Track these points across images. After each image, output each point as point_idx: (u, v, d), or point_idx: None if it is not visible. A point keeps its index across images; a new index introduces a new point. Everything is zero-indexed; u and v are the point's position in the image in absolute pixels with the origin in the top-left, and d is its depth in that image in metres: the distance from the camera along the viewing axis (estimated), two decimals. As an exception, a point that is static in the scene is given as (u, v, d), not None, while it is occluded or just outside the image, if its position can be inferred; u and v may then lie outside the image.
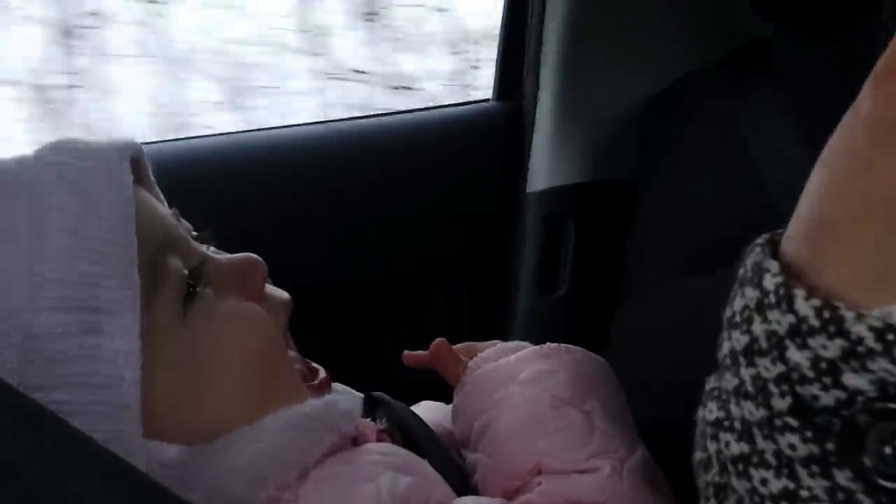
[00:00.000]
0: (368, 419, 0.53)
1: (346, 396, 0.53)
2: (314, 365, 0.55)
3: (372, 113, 1.13)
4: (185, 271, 0.49)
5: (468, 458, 0.55)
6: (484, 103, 1.13)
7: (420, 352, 0.60)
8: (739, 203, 0.90)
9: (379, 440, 0.51)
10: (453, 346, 0.61)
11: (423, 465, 0.50)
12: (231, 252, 0.55)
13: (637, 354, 0.94)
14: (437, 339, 0.60)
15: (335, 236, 1.03)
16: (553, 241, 1.05)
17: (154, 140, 1.06)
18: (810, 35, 0.87)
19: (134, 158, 0.50)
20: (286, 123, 1.12)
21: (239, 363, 0.49)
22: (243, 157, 1.03)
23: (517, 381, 0.54)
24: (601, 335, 0.98)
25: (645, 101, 1.02)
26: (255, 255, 0.53)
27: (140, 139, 0.54)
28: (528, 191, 1.07)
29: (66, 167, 0.47)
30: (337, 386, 0.57)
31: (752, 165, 0.88)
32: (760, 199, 0.87)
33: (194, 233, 0.54)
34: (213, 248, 0.54)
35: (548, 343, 0.58)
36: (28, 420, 0.40)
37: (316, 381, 0.53)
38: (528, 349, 0.58)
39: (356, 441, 0.50)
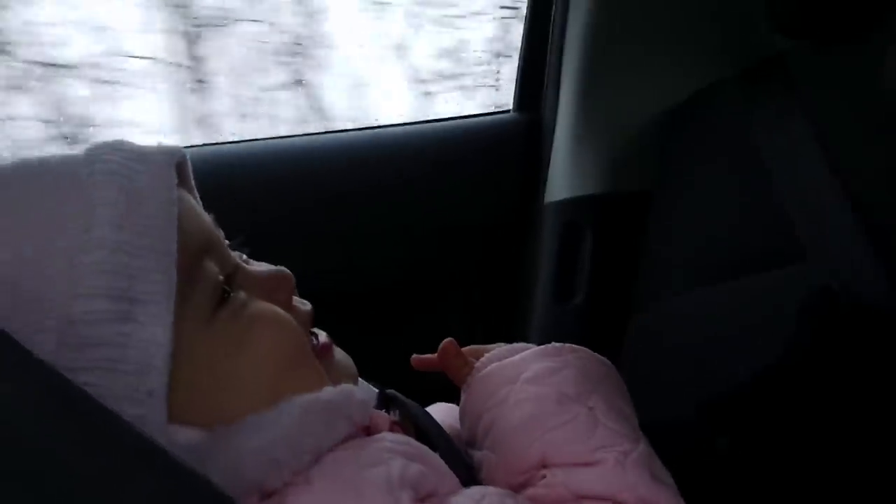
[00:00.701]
0: (382, 411, 0.55)
1: (361, 388, 0.54)
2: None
3: (393, 123, 1.14)
4: (221, 277, 0.51)
5: (475, 456, 0.56)
6: (504, 114, 1.14)
7: (428, 355, 0.62)
8: (753, 216, 0.91)
9: (391, 431, 0.52)
10: (466, 348, 0.62)
11: (434, 457, 0.51)
12: (256, 260, 0.57)
13: (649, 361, 0.94)
14: (446, 340, 0.61)
15: (354, 244, 1.05)
16: (570, 251, 1.06)
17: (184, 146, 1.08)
18: (825, 49, 0.88)
19: (179, 163, 0.52)
20: (309, 132, 1.13)
21: (263, 361, 0.51)
22: (263, 164, 1.04)
23: (522, 379, 0.55)
24: (616, 343, 0.99)
25: (663, 113, 1.03)
26: (286, 269, 0.56)
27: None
28: (546, 201, 1.09)
29: (115, 165, 0.49)
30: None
31: (768, 179, 0.89)
32: (774, 212, 0.87)
33: (227, 241, 0.56)
34: (245, 257, 0.56)
35: (553, 343, 0.59)
36: (70, 404, 0.42)
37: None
38: (534, 349, 0.59)
39: (369, 431, 0.51)
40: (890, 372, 0.70)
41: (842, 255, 0.83)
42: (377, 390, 0.59)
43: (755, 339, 0.85)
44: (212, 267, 0.51)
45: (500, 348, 0.61)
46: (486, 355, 0.60)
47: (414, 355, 0.62)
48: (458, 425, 0.60)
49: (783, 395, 0.80)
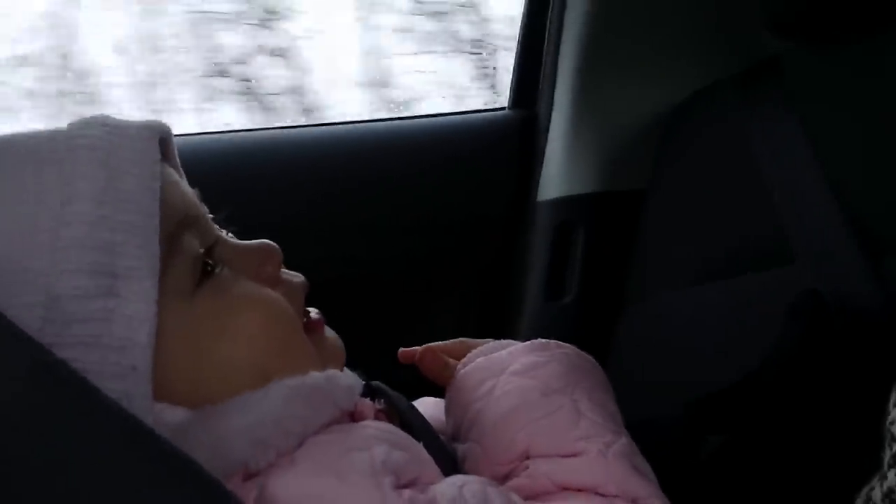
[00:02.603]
0: (368, 399, 0.55)
1: (347, 374, 0.54)
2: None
3: (388, 116, 1.14)
4: (202, 250, 0.51)
5: (459, 449, 0.56)
6: (499, 111, 1.14)
7: (415, 348, 0.62)
8: (746, 218, 0.91)
9: (377, 419, 0.52)
10: (447, 342, 0.62)
11: (418, 446, 0.51)
12: None
13: (638, 360, 0.95)
14: (422, 348, 0.61)
15: (346, 237, 1.05)
16: (562, 249, 1.06)
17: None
18: (823, 52, 0.88)
19: (162, 139, 0.52)
20: (301, 123, 1.13)
21: (251, 344, 0.51)
22: (253, 156, 1.04)
23: (508, 372, 0.55)
24: (605, 342, 0.99)
25: (659, 114, 1.03)
26: (272, 242, 0.55)
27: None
28: (539, 199, 1.09)
29: (96, 140, 0.49)
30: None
31: (761, 181, 0.89)
32: (767, 215, 0.88)
33: (210, 215, 0.56)
34: (231, 236, 0.56)
35: (539, 339, 0.59)
36: (59, 382, 0.42)
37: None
38: (520, 344, 0.59)
39: (354, 418, 0.51)
40: (876, 375, 0.70)
41: (832, 260, 0.83)
42: (363, 381, 0.59)
43: (743, 341, 0.85)
44: (192, 241, 0.51)
45: (487, 344, 0.61)
46: (474, 350, 0.60)
47: (401, 349, 0.62)
48: (441, 418, 0.60)
49: (770, 397, 0.80)
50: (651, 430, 0.59)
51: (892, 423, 0.62)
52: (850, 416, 0.75)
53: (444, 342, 0.62)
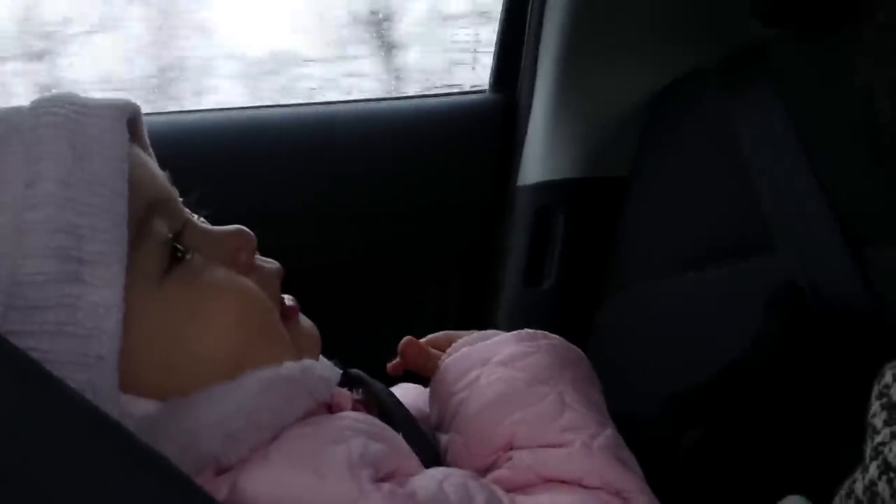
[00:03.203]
0: (345, 389, 0.53)
1: (324, 365, 0.53)
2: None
3: (365, 97, 1.13)
4: (170, 235, 0.49)
5: (442, 440, 0.55)
6: (479, 94, 1.13)
7: (397, 360, 0.60)
8: (728, 206, 0.90)
9: (354, 410, 0.51)
10: (432, 336, 0.61)
11: (397, 437, 0.50)
12: None
13: (618, 348, 0.94)
14: (404, 339, 0.60)
15: (321, 222, 1.03)
16: (542, 235, 1.06)
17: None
18: (808, 39, 0.87)
19: (131, 119, 0.50)
20: (276, 104, 1.11)
21: (224, 334, 0.49)
22: (231, 135, 1.02)
23: (493, 362, 0.54)
24: (585, 329, 0.98)
25: (641, 99, 1.02)
26: (245, 228, 0.53)
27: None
28: (518, 184, 1.08)
29: (62, 119, 0.47)
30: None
31: (744, 169, 0.89)
32: (750, 203, 0.87)
33: (181, 199, 0.54)
34: (203, 220, 0.54)
35: (526, 329, 0.58)
36: (21, 373, 0.40)
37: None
38: (507, 334, 0.58)
39: (331, 409, 0.50)
40: (858, 366, 0.70)
41: (815, 248, 0.83)
42: (341, 370, 0.57)
43: (725, 331, 0.85)
44: (160, 225, 0.49)
45: (472, 334, 0.60)
46: (459, 340, 0.59)
47: (389, 366, 0.61)
48: (423, 407, 0.59)
49: (749, 391, 0.80)
50: (630, 421, 0.59)
51: (873, 416, 0.62)
52: (832, 408, 0.75)
53: (429, 336, 0.61)
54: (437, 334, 0.61)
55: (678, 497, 0.56)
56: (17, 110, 0.48)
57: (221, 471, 0.44)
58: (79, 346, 0.44)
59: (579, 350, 0.59)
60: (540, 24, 1.04)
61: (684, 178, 0.96)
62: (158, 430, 0.44)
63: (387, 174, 1.05)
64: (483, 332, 0.60)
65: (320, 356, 0.56)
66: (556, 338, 0.58)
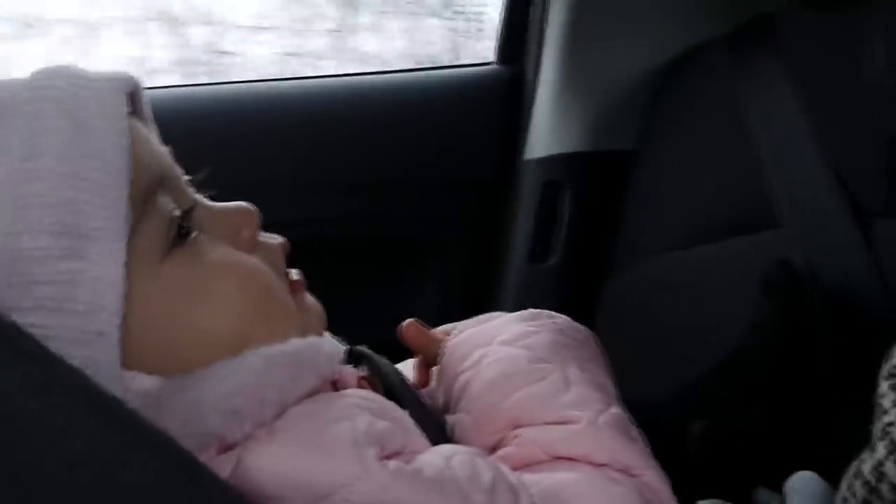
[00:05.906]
0: (351, 366, 0.53)
1: (328, 341, 0.52)
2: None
3: (371, 70, 1.11)
4: (177, 212, 0.48)
5: (449, 421, 0.54)
6: (486, 66, 1.11)
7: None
8: (734, 181, 0.90)
9: (360, 387, 0.50)
10: (437, 328, 0.60)
11: (403, 415, 0.49)
12: None
13: (624, 323, 0.94)
14: (406, 322, 0.59)
15: (326, 197, 1.03)
16: (548, 210, 1.05)
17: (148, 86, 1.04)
18: (816, 10, 0.86)
19: (131, 93, 0.49)
20: (284, 77, 1.10)
21: (228, 312, 0.48)
22: (232, 109, 1.01)
23: (497, 341, 0.54)
24: (590, 305, 0.98)
25: (649, 72, 1.01)
26: (249, 204, 0.52)
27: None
28: (525, 157, 1.07)
29: (61, 92, 0.46)
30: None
31: (750, 143, 0.88)
32: (755, 177, 0.87)
33: (186, 177, 0.53)
34: (205, 198, 0.54)
35: (530, 308, 0.58)
36: (21, 350, 0.40)
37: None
38: (510, 314, 0.58)
39: (336, 386, 0.49)
40: (865, 345, 0.69)
41: (820, 223, 0.82)
42: (346, 347, 0.57)
43: (729, 306, 0.84)
44: (166, 201, 0.48)
45: (476, 318, 0.59)
46: (463, 322, 0.58)
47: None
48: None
49: (753, 375, 0.79)
50: (637, 406, 0.58)
51: (882, 396, 0.61)
52: (838, 388, 0.75)
53: (433, 329, 0.60)
54: (441, 327, 0.61)
55: (687, 478, 0.56)
56: (15, 82, 0.47)
57: (225, 448, 0.44)
58: (78, 322, 0.43)
59: (587, 329, 0.58)
60: (547, -6, 1.03)
61: (691, 151, 0.95)
62: (162, 407, 0.43)
63: (392, 148, 1.04)
64: (486, 314, 0.60)
65: (325, 332, 0.56)
66: (561, 317, 0.57)
